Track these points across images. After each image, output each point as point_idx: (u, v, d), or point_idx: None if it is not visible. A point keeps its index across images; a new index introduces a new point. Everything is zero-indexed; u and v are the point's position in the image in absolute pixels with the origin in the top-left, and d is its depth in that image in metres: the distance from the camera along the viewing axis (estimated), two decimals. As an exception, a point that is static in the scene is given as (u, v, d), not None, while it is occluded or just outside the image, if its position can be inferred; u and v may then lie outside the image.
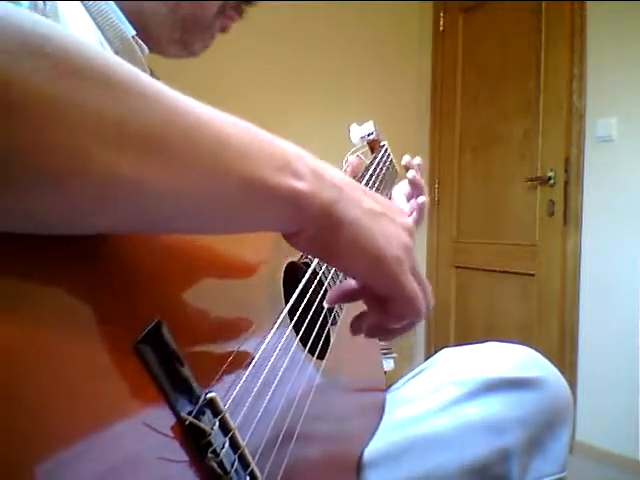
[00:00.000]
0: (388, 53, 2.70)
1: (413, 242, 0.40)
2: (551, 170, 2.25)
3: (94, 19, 0.52)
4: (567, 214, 2.20)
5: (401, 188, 0.97)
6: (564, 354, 2.18)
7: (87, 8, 0.51)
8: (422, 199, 0.87)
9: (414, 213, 0.88)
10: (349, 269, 0.38)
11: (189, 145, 0.28)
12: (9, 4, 0.24)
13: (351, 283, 0.42)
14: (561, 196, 2.22)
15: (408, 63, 2.82)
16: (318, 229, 0.35)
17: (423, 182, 0.89)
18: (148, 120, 0.27)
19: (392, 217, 0.39)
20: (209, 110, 0.31)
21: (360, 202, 0.37)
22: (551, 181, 2.24)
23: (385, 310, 0.40)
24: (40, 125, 0.23)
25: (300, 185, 0.33)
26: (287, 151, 0.34)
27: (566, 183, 2.20)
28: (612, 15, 2.08)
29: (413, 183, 0.89)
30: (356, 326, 0.45)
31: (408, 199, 0.93)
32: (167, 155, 0.27)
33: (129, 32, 0.54)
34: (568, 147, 2.20)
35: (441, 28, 2.78)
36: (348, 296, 0.43)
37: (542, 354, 0.62)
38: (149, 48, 0.58)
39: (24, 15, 0.24)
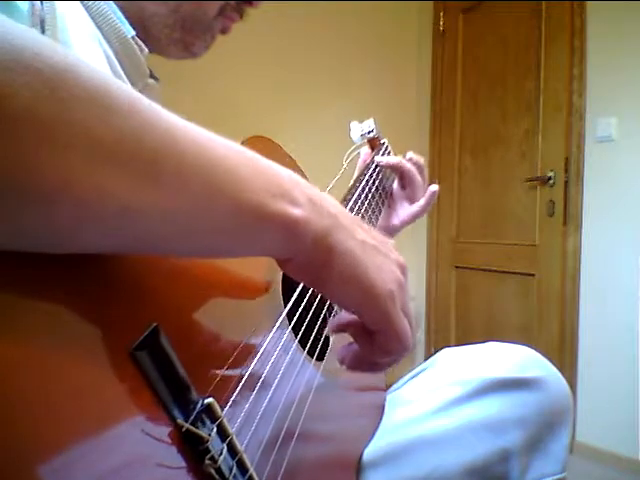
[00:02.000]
0: (388, 53, 2.70)
1: (406, 279, 0.40)
2: (551, 170, 2.25)
3: (93, 19, 0.52)
4: (567, 214, 2.20)
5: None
6: (564, 354, 2.18)
7: (86, 8, 0.51)
8: (434, 187, 0.87)
9: (422, 200, 0.88)
10: (340, 300, 0.38)
11: (181, 168, 0.28)
12: (4, 18, 0.24)
13: (344, 316, 0.42)
14: (561, 196, 2.22)
15: (408, 63, 2.82)
16: (311, 257, 0.35)
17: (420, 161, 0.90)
18: (140, 141, 0.26)
19: (385, 251, 0.39)
20: (203, 132, 0.30)
21: (355, 233, 0.37)
22: (551, 181, 2.24)
23: (372, 343, 0.39)
24: (29, 143, 0.23)
25: (296, 212, 0.33)
26: (283, 177, 0.34)
27: (566, 183, 2.20)
28: (612, 15, 2.08)
29: (417, 164, 0.89)
30: (341, 356, 0.44)
31: (403, 185, 0.92)
32: (158, 177, 0.27)
33: (128, 32, 0.54)
34: (568, 147, 2.20)
35: (441, 28, 2.78)
36: (341, 327, 0.43)
37: (542, 354, 0.62)
38: (149, 49, 0.58)
39: (18, 31, 0.24)
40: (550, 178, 2.24)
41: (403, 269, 0.40)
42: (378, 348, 0.39)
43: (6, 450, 0.22)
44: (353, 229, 0.37)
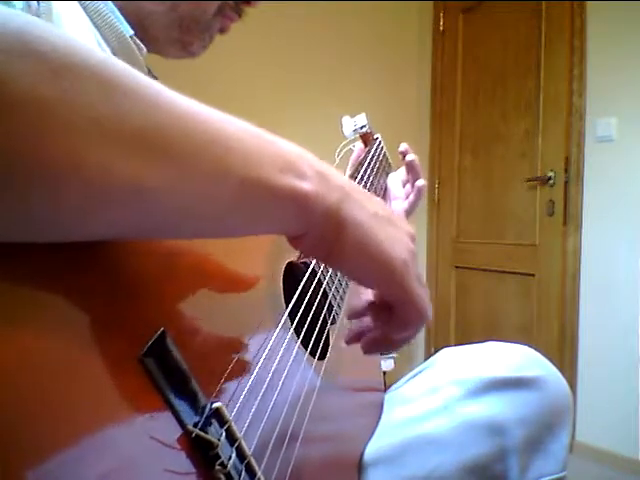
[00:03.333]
0: (388, 53, 2.70)
1: (415, 248, 0.40)
2: (551, 170, 2.25)
3: (91, 18, 0.52)
4: (567, 214, 2.20)
5: (397, 175, 0.96)
6: (564, 354, 2.18)
7: (84, 8, 0.51)
8: (421, 182, 0.87)
9: (410, 196, 0.88)
10: (355, 273, 0.38)
11: (188, 145, 0.28)
12: (3, 7, 0.24)
13: (357, 304, 0.42)
14: (561, 196, 2.22)
15: (408, 63, 2.82)
16: (323, 231, 0.35)
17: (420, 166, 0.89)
18: (146, 119, 0.26)
19: (395, 222, 0.39)
20: (209, 110, 0.30)
21: (365, 205, 0.37)
22: (551, 181, 2.24)
23: (390, 320, 0.39)
24: (34, 125, 0.22)
25: (305, 185, 0.33)
26: (290, 152, 0.34)
27: (566, 183, 2.20)
28: (612, 15, 2.08)
29: (411, 166, 0.89)
30: (353, 334, 0.44)
31: (404, 184, 0.93)
32: (166, 155, 0.27)
33: (127, 32, 0.54)
34: (568, 147, 2.20)
35: (441, 28, 2.78)
36: (357, 313, 0.43)
37: (542, 354, 0.62)
38: (148, 48, 0.58)
39: (16, 16, 0.24)
40: (550, 178, 2.24)
41: (413, 239, 0.40)
42: (396, 322, 0.39)
43: (5, 452, 0.22)
44: (363, 201, 0.37)
